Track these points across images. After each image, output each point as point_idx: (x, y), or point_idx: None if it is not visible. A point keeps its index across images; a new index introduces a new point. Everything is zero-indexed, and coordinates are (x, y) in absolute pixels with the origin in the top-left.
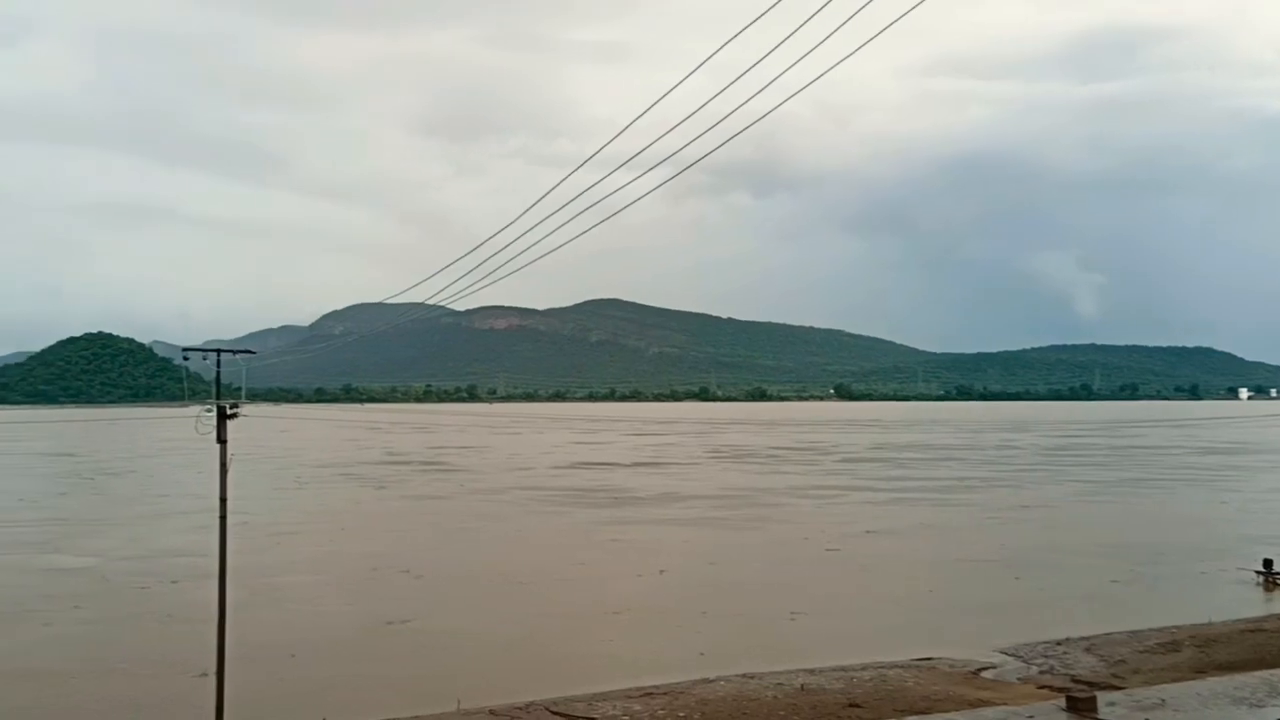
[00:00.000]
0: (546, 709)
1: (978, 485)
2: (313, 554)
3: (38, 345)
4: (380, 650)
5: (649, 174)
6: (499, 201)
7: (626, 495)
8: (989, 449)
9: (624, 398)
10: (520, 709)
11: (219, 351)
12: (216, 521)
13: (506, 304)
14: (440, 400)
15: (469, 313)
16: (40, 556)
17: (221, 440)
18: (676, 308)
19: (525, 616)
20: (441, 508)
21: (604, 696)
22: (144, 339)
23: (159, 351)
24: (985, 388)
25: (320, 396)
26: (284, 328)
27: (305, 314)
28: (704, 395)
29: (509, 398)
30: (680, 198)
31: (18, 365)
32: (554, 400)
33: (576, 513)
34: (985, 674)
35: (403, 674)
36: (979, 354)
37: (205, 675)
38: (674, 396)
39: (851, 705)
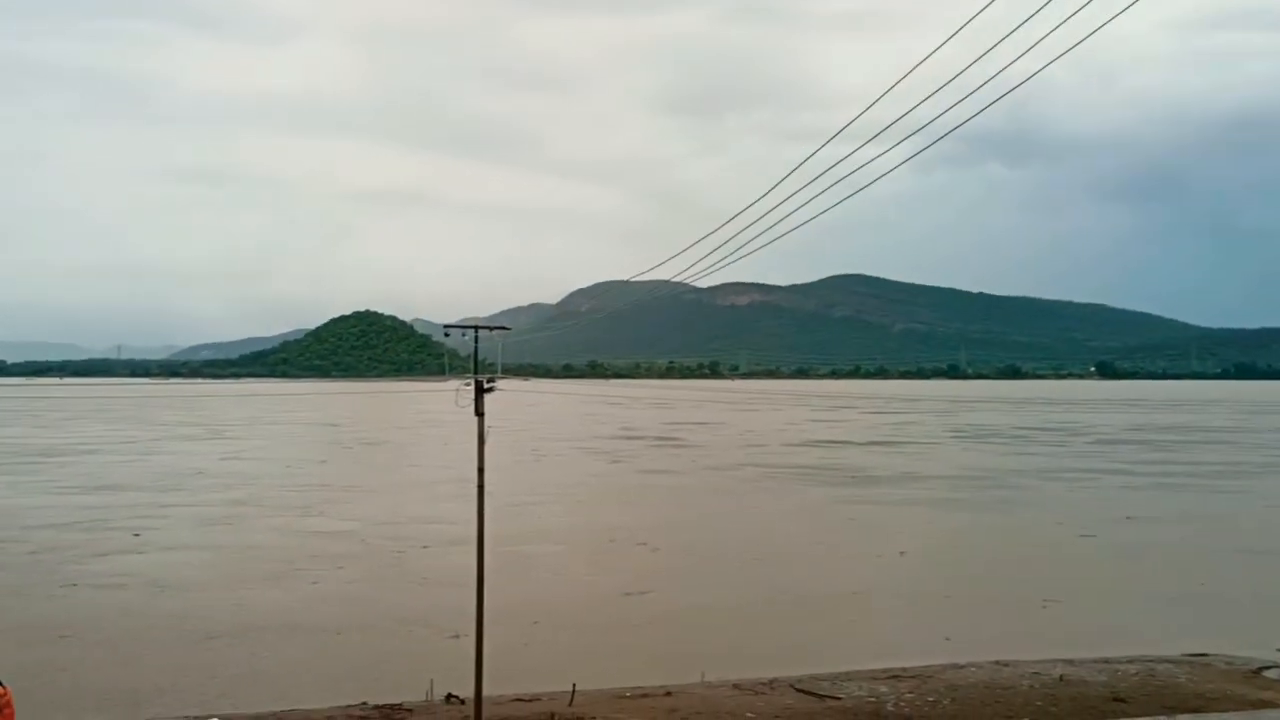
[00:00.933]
0: (791, 686)
1: (1253, 472)
2: (552, 525)
3: (314, 323)
4: (622, 620)
5: (898, 146)
6: (741, 177)
7: (862, 474)
8: (1267, 432)
9: (868, 375)
10: (765, 685)
11: (476, 328)
12: (463, 492)
13: (749, 280)
14: (682, 376)
15: (711, 289)
16: (306, 520)
17: (479, 413)
18: (923, 282)
19: (764, 593)
20: (675, 483)
21: (849, 676)
22: (406, 317)
23: (419, 329)
24: (1270, 365)
25: (567, 372)
26: (533, 305)
27: (553, 292)
28: (953, 373)
29: (751, 374)
30: (928, 169)
31: (297, 341)
32: (796, 377)
33: (811, 491)
34: (1268, 673)
35: (645, 644)
36: (1263, 329)
37: (458, 637)
38: (921, 374)
39: (1116, 699)
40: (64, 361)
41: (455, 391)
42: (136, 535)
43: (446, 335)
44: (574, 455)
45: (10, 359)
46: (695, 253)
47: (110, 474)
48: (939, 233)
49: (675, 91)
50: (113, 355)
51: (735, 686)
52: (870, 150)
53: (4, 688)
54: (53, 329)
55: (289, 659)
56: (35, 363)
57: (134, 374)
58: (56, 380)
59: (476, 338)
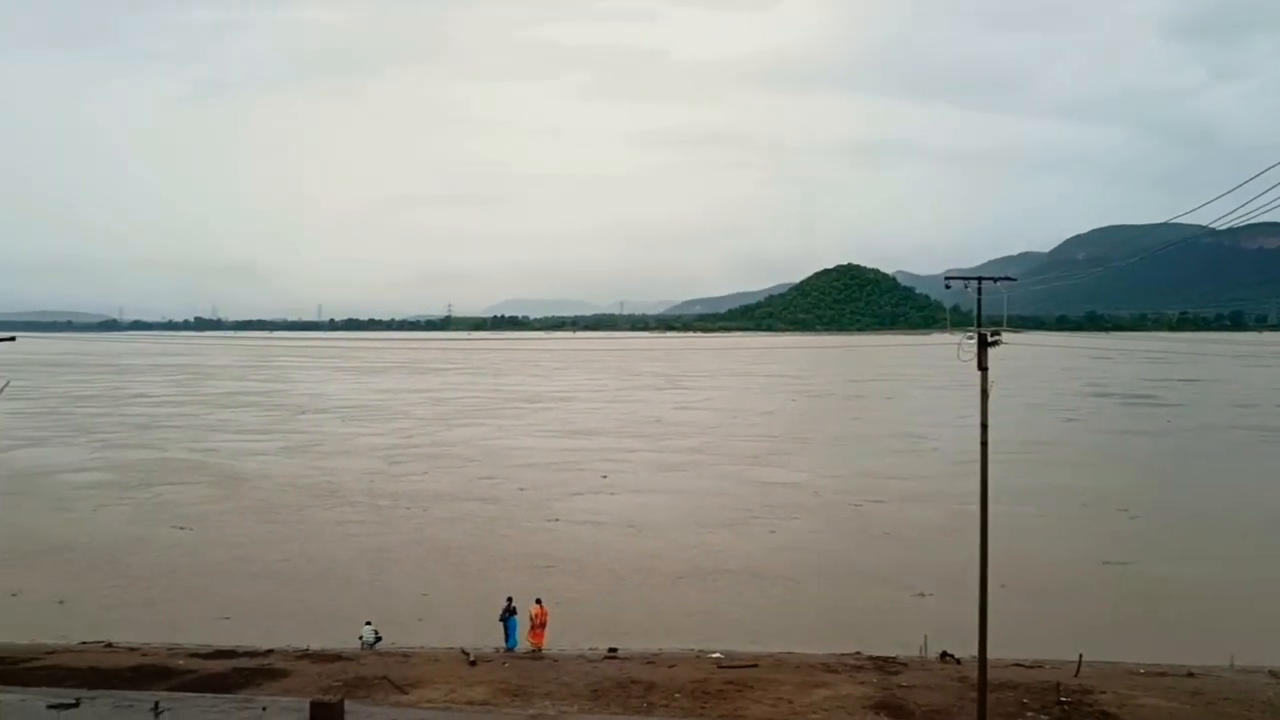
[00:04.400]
0: None
1: None
2: (1014, 485)
3: (797, 277)
4: (1113, 590)
5: None
6: (1272, 105)
7: None
8: None
9: None
10: None
11: (979, 279)
12: (912, 447)
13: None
14: (1197, 329)
15: (1233, 231)
16: (757, 469)
17: (982, 367)
18: None
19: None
20: (1149, 445)
21: None
22: (888, 269)
23: (902, 281)
24: None
25: (1062, 324)
26: (1023, 254)
27: (1045, 240)
28: None
29: None
30: None
31: (781, 296)
32: None
33: None
34: None
35: (1154, 618)
36: None
37: (923, 595)
38: None
39: None
40: (576, 317)
41: (958, 345)
42: (604, 477)
43: (948, 287)
44: (1030, 412)
45: (534, 314)
46: (1214, 194)
47: (581, 419)
48: None
49: (1189, 11)
50: (616, 310)
51: (1273, 674)
52: None
53: (542, 607)
54: (567, 286)
55: (751, 603)
56: (553, 317)
57: (634, 328)
58: (569, 334)
59: (980, 289)
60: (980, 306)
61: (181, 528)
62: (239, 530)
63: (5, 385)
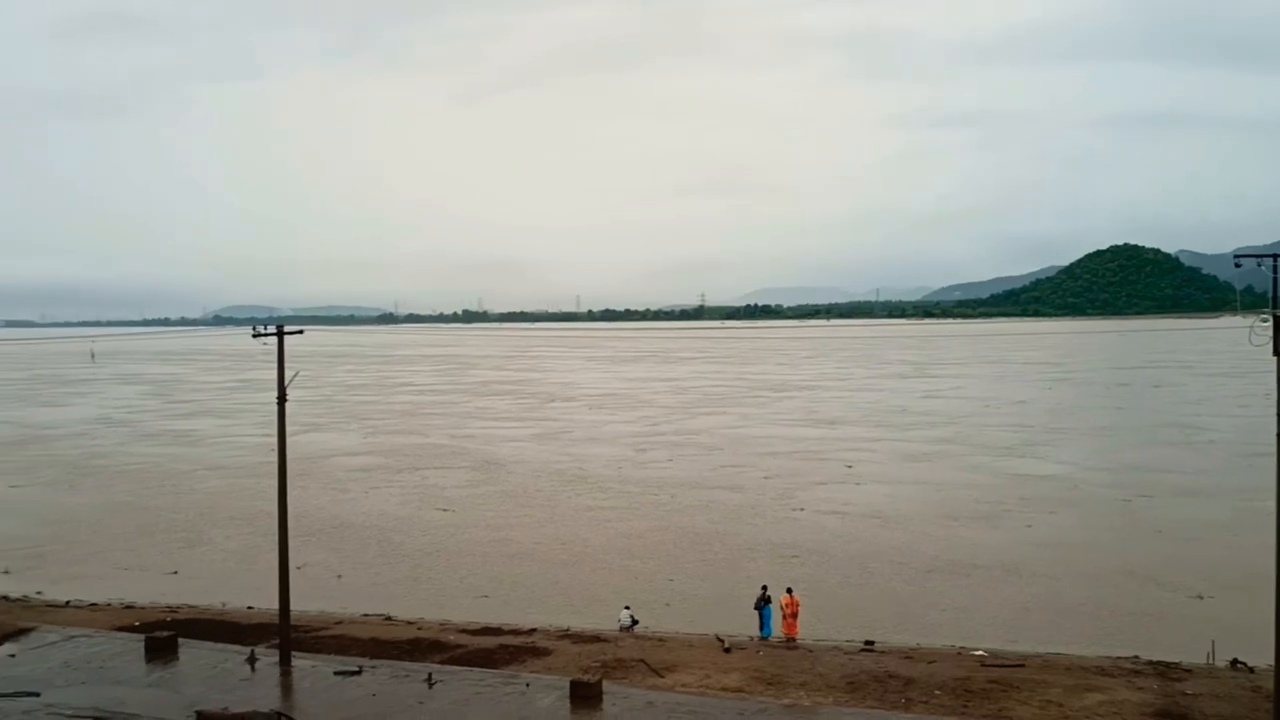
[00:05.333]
0: None
1: None
2: None
3: (1064, 259)
4: None
5: None
6: None
7: None
8: None
9: None
10: None
11: (1276, 256)
12: (1189, 439)
13: None
14: None
15: None
16: (1009, 460)
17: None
18: None
19: None
20: None
21: None
22: (1169, 249)
23: (1185, 261)
24: None
25: None
26: None
27: None
28: None
29: None
30: None
31: (1048, 279)
32: None
33: None
34: None
35: None
36: None
37: (1201, 598)
38: None
39: None
40: (830, 305)
41: (1249, 328)
42: (849, 467)
43: (1238, 265)
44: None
45: (787, 303)
46: None
47: (826, 409)
48: None
49: None
50: (872, 298)
51: None
52: None
53: (793, 596)
54: (821, 274)
55: (1009, 600)
56: (806, 306)
57: (890, 315)
58: (822, 322)
59: (1276, 267)
60: (1277, 286)
61: (444, 510)
62: (496, 513)
63: (295, 376)
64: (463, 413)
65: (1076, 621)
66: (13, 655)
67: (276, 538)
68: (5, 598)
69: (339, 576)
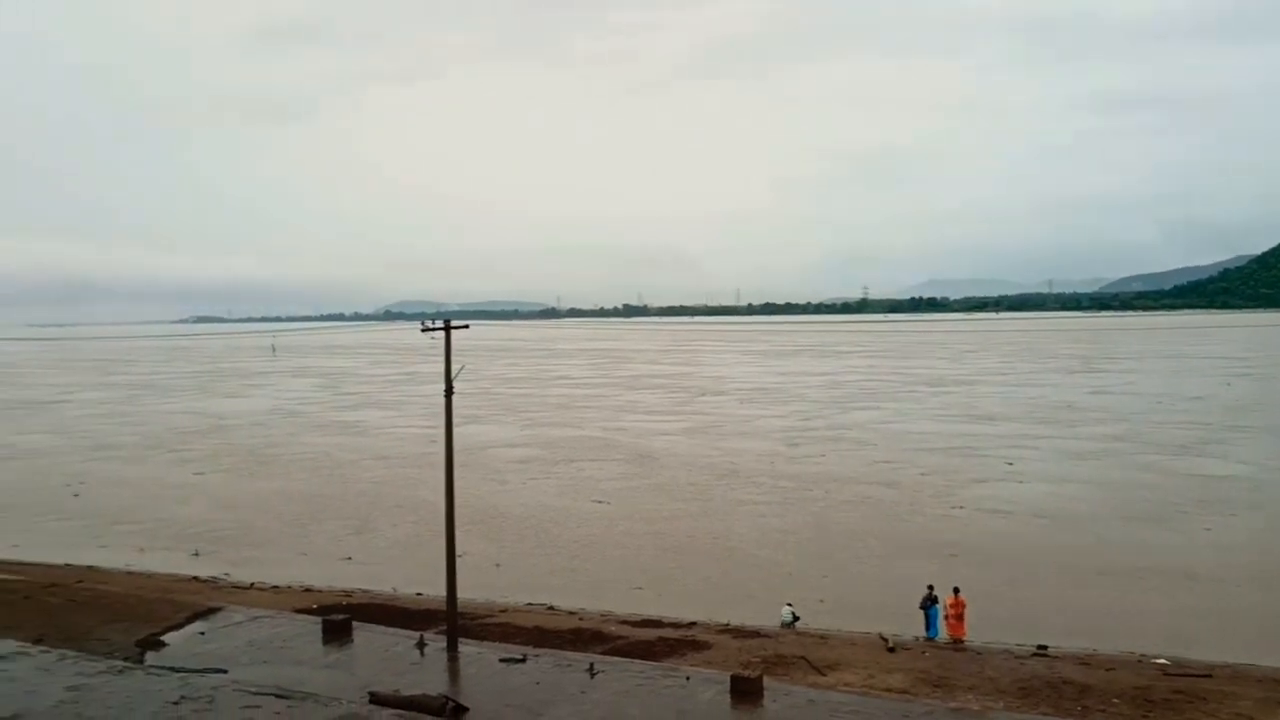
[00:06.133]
0: None
1: None
2: None
3: (1257, 248)
4: None
5: None
6: None
7: None
8: None
9: None
10: None
11: None
12: None
13: None
14: None
15: None
16: (1183, 459)
17: None
18: None
19: None
20: None
21: None
22: None
23: None
24: None
25: None
26: None
27: None
28: None
29: None
30: None
31: (1238, 269)
32: None
33: None
34: None
35: None
36: None
37: None
38: None
39: None
40: (999, 297)
41: None
42: (1010, 465)
43: None
44: None
45: (954, 295)
46: None
47: (985, 404)
48: None
49: None
50: (1044, 289)
51: None
52: None
53: (959, 596)
54: (991, 265)
55: (1188, 607)
56: (974, 298)
57: (1064, 308)
58: (991, 315)
59: None
60: None
61: (599, 502)
62: (650, 506)
63: (460, 369)
64: (616, 406)
65: (1263, 631)
66: (202, 633)
67: (439, 527)
68: (196, 578)
69: (498, 565)
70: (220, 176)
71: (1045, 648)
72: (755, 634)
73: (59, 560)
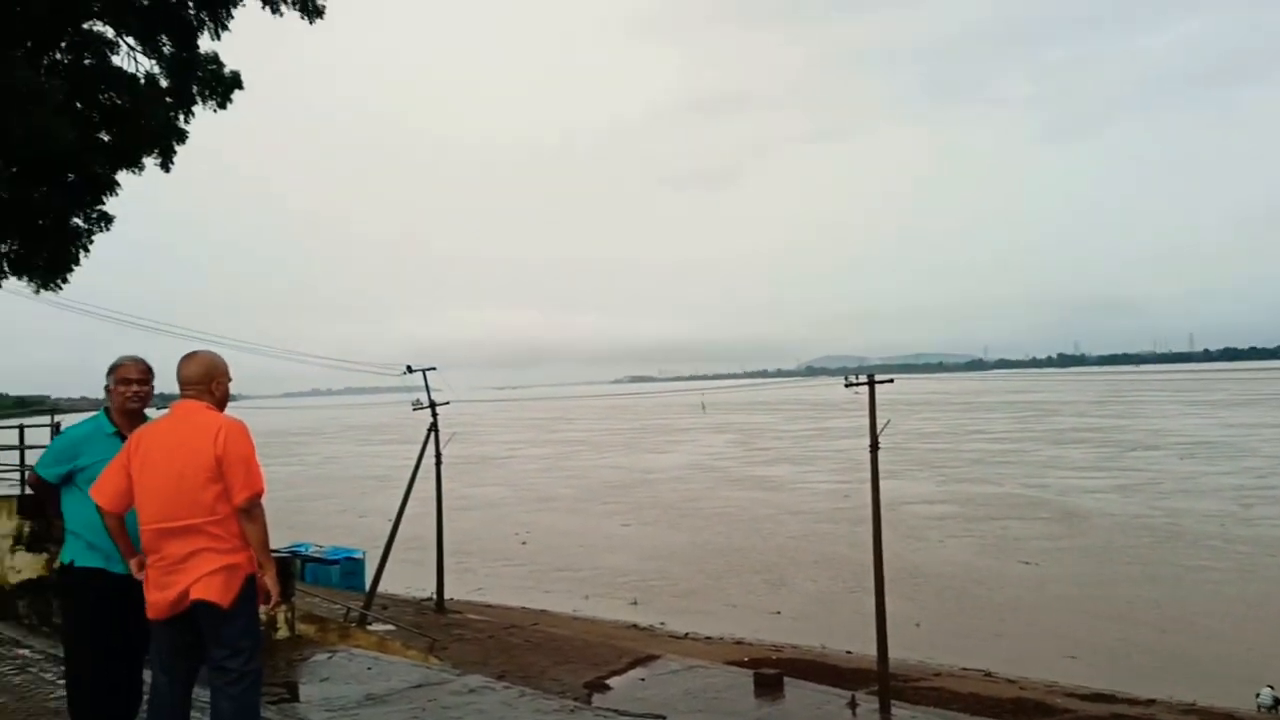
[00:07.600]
0: None
1: None
2: None
3: None
4: None
5: None
6: None
7: None
8: None
9: None
10: None
11: None
12: None
13: None
14: None
15: None
16: None
17: None
18: None
19: None
20: None
21: None
22: None
23: None
24: None
25: None
26: None
27: None
28: None
29: None
30: None
31: None
32: None
33: None
34: None
35: None
36: None
37: None
38: None
39: None
40: None
41: None
42: None
43: None
44: None
45: None
46: None
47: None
48: None
49: None
50: None
51: None
52: None
53: None
54: None
55: None
56: None
57: None
58: None
59: None
60: None
61: (1025, 562)
62: (1080, 569)
63: (887, 424)
64: (1036, 461)
65: None
66: (642, 679)
67: (856, 583)
68: (635, 625)
69: (917, 625)
70: (653, 240)
71: None
72: (1228, 717)
73: (515, 603)
